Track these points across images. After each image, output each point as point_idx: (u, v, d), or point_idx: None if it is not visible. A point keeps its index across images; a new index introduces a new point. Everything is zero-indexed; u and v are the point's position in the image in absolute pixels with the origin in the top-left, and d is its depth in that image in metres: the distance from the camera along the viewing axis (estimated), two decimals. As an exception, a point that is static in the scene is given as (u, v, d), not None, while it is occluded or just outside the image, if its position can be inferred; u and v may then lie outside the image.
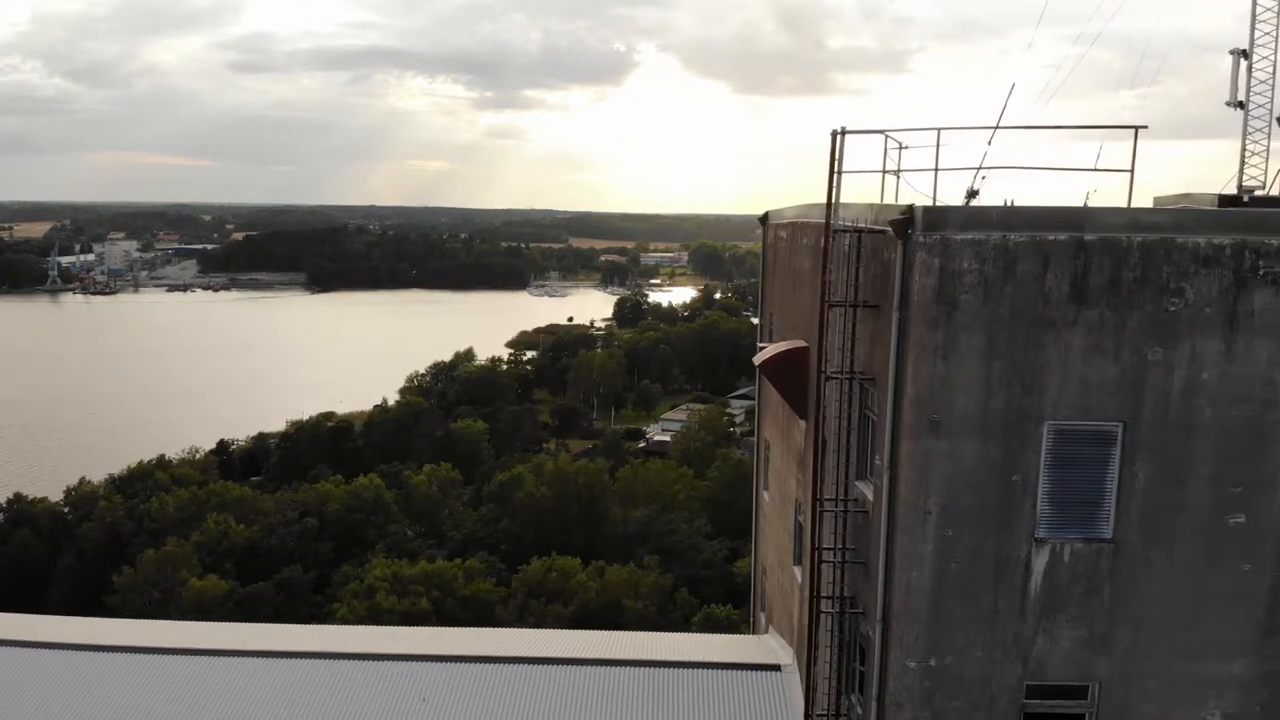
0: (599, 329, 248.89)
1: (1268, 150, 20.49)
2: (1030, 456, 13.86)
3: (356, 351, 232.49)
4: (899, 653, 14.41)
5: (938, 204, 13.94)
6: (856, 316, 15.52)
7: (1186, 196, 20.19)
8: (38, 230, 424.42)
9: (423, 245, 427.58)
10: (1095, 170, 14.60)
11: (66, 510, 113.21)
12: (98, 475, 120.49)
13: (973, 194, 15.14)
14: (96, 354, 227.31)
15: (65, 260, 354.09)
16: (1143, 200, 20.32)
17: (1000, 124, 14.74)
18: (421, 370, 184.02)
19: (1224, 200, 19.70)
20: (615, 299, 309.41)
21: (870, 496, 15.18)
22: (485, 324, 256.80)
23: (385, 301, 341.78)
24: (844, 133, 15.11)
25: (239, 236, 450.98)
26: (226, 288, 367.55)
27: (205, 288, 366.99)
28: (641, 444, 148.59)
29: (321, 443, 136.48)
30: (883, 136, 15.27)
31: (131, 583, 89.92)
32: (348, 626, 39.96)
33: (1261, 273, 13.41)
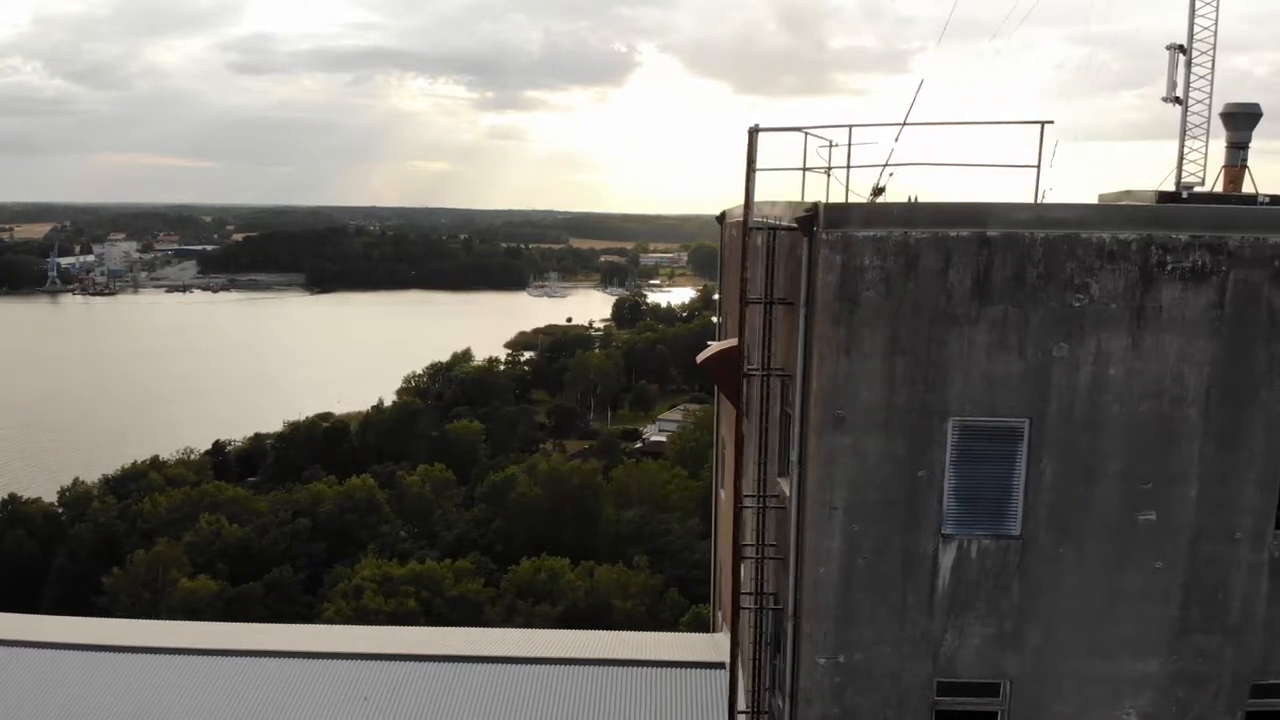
0: (597, 329, 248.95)
1: (1206, 146, 20.47)
2: (935, 453, 13.81)
3: (355, 352, 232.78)
4: (809, 649, 14.37)
5: (838, 201, 13.90)
6: (773, 313, 15.50)
7: (1128, 193, 20.17)
8: (38, 231, 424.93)
9: (422, 246, 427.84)
10: (1003, 166, 14.53)
11: (60, 511, 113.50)
12: (97, 476, 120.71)
13: (878, 191, 15.10)
14: (96, 355, 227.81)
15: (65, 261, 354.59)
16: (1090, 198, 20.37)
17: (908, 120, 14.69)
18: (419, 371, 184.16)
19: (1163, 197, 19.68)
20: (614, 299, 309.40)
21: (787, 492, 15.14)
22: (484, 324, 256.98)
23: (384, 302, 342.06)
24: (759, 130, 15.08)
25: (239, 237, 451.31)
26: (226, 288, 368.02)
27: (204, 288, 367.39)
28: (638, 444, 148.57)
29: (317, 443, 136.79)
30: (821, 131, 15.20)
31: (121, 583, 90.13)
32: (294, 625, 39.79)
33: (1169, 268, 13.35)
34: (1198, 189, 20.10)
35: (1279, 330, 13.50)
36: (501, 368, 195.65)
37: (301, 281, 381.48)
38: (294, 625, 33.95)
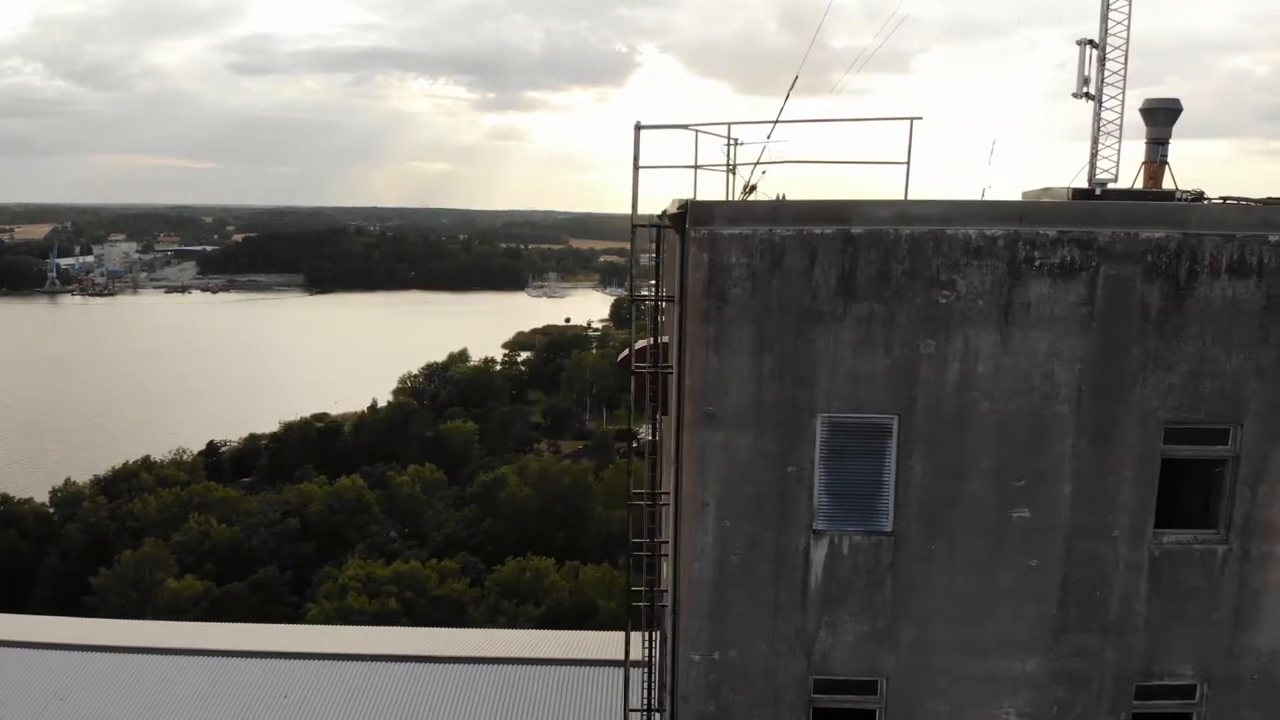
0: (595, 329, 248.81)
1: (1119, 142, 20.42)
2: (805, 449, 13.76)
3: (353, 352, 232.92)
4: (685, 646, 14.34)
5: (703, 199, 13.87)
6: (660, 311, 15.47)
7: (1046, 190, 20.13)
8: (39, 232, 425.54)
9: (422, 246, 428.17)
10: (872, 164, 14.49)
11: (52, 511, 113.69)
12: (92, 477, 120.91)
13: (750, 189, 15.05)
14: (94, 355, 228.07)
15: (64, 262, 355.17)
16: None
17: (780, 118, 14.65)
18: (414, 371, 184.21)
19: (1076, 194, 19.64)
20: (613, 300, 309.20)
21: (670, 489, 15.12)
22: (483, 325, 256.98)
23: (383, 302, 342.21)
24: (641, 128, 15.05)
25: (239, 238, 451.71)
26: (225, 289, 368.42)
27: (204, 289, 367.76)
28: (634, 444, 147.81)
29: (311, 444, 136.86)
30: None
31: (109, 583, 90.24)
32: (219, 624, 39.16)
33: (1036, 264, 13.29)
34: (1111, 185, 20.07)
35: (1152, 326, 13.43)
36: (498, 368, 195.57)
37: (301, 282, 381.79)
38: (222, 624, 33.82)
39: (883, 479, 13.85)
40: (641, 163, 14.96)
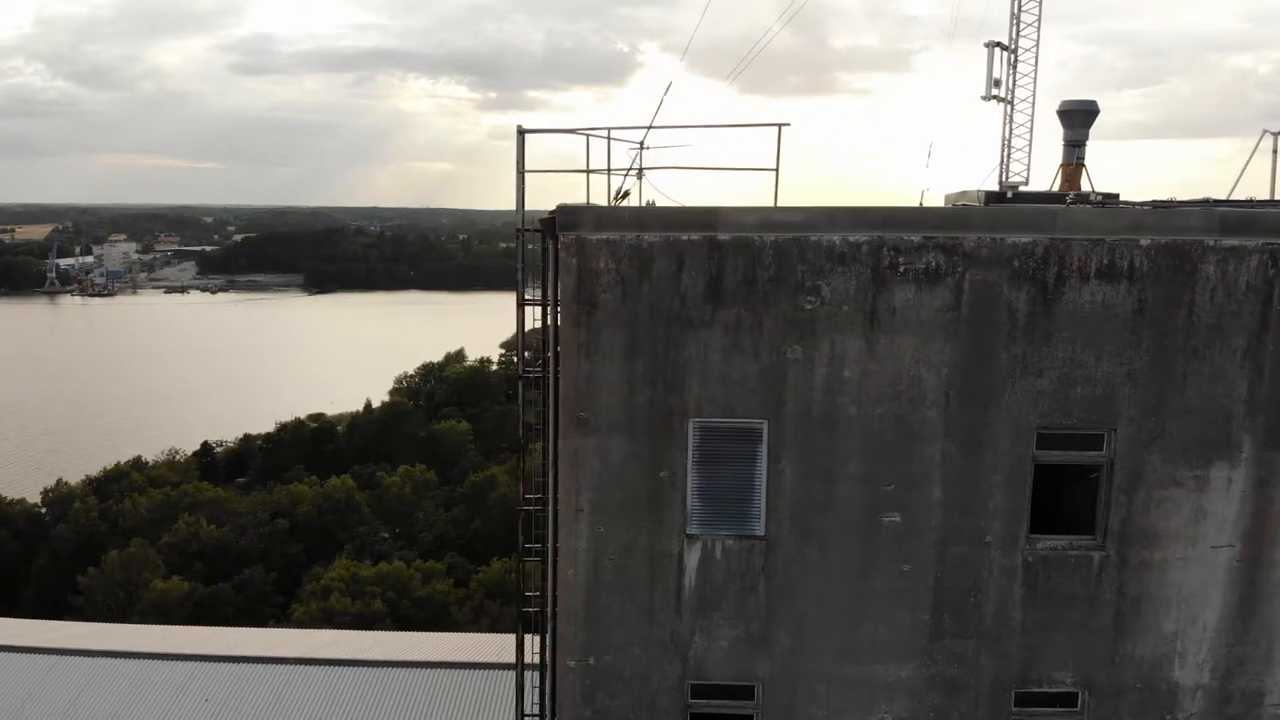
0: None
1: (1030, 144, 20.43)
2: (677, 454, 13.78)
3: (351, 352, 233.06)
4: (561, 651, 14.35)
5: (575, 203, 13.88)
6: (545, 315, 15.46)
7: (963, 194, 20.15)
8: (40, 232, 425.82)
9: (421, 246, 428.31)
10: (741, 170, 14.50)
11: (44, 511, 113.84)
12: (87, 477, 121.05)
13: (623, 194, 15.06)
14: (94, 355, 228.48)
15: (64, 262, 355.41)
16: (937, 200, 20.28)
17: (654, 124, 14.65)
18: (410, 371, 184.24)
19: (989, 197, 19.65)
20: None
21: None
22: (481, 325, 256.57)
23: (383, 302, 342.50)
24: (525, 132, 15.08)
25: (240, 238, 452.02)
26: (224, 289, 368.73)
27: (203, 289, 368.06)
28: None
29: (305, 444, 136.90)
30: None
31: (97, 584, 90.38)
32: (143, 625, 38.69)
33: (901, 269, 13.29)
34: (1022, 188, 20.09)
35: (1020, 331, 13.43)
36: (494, 368, 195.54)
37: (300, 282, 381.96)
38: (148, 626, 33.78)
39: (754, 483, 13.86)
40: (542, 167, 15.09)
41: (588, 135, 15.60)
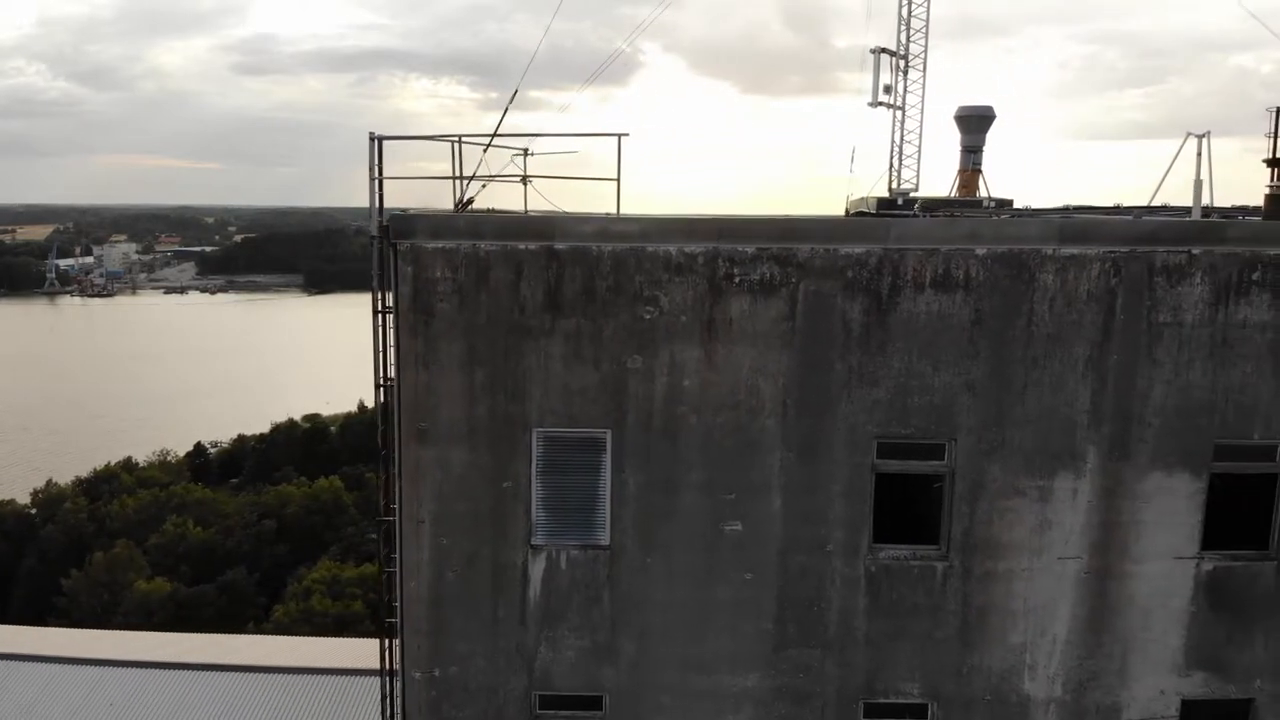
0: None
1: (919, 150, 20.45)
2: (520, 464, 13.80)
3: (350, 353, 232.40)
4: (409, 662, 14.38)
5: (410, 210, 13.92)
6: (382, 323, 15.44)
7: (863, 200, 20.19)
8: (40, 233, 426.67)
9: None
10: (588, 179, 14.52)
11: (34, 512, 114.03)
12: (77, 478, 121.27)
13: (466, 203, 15.09)
14: (93, 356, 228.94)
15: (64, 263, 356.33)
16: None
17: (499, 131, 14.68)
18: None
19: (881, 204, 19.68)
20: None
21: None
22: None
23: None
24: (381, 139, 15.11)
25: (240, 238, 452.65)
26: (224, 290, 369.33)
27: (202, 290, 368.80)
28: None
29: (297, 445, 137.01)
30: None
31: (81, 585, 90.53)
32: (55, 629, 38.27)
33: (737, 280, 13.31)
34: (913, 194, 20.09)
35: (855, 342, 13.45)
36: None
37: (300, 282, 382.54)
38: (62, 629, 33.76)
39: (598, 492, 13.88)
40: (415, 173, 15.18)
41: (454, 141, 15.68)
